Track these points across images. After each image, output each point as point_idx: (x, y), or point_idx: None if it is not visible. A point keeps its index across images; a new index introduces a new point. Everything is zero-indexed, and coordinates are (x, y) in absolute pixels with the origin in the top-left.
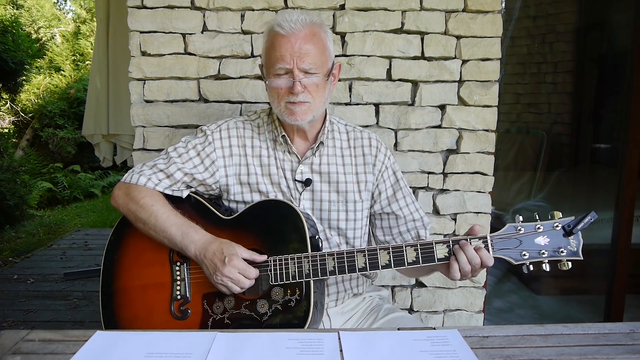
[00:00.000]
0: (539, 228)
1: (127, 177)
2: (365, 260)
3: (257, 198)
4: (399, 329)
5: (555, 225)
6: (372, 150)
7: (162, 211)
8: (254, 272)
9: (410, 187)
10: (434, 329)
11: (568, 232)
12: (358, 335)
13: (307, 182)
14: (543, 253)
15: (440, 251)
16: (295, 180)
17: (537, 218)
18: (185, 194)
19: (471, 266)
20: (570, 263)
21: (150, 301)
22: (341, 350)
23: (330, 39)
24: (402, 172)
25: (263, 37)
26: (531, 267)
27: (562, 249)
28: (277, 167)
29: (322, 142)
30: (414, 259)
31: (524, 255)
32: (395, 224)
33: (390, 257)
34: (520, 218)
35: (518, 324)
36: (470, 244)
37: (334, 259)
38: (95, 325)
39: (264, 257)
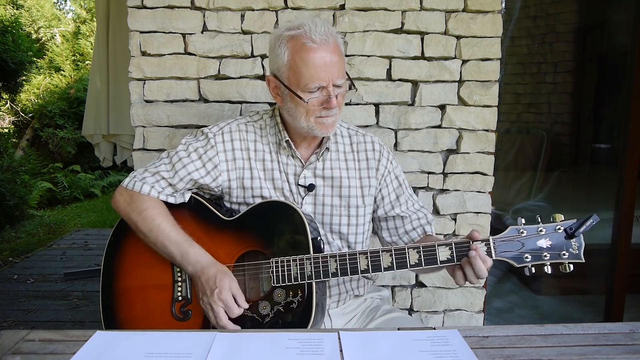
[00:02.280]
0: (541, 231)
1: (129, 183)
2: (368, 262)
3: (259, 202)
4: (399, 329)
5: (557, 227)
6: (375, 155)
7: (163, 227)
8: (237, 312)
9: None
10: (434, 329)
11: (570, 234)
12: (358, 335)
13: (311, 188)
14: (545, 256)
15: (443, 254)
16: (299, 185)
17: (539, 220)
18: (187, 197)
19: (477, 277)
20: (571, 265)
21: (151, 302)
22: (341, 351)
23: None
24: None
25: (279, 47)
26: (533, 270)
27: (564, 252)
28: (280, 171)
29: (327, 148)
30: (417, 262)
31: (526, 257)
32: (402, 223)
33: (392, 260)
34: (523, 220)
35: (518, 324)
36: (473, 245)
37: (336, 260)
38: (95, 325)
39: (245, 305)
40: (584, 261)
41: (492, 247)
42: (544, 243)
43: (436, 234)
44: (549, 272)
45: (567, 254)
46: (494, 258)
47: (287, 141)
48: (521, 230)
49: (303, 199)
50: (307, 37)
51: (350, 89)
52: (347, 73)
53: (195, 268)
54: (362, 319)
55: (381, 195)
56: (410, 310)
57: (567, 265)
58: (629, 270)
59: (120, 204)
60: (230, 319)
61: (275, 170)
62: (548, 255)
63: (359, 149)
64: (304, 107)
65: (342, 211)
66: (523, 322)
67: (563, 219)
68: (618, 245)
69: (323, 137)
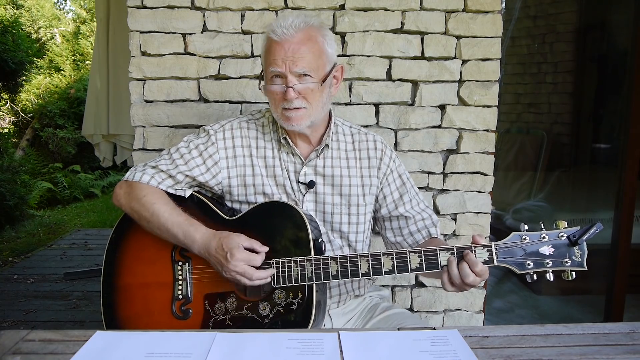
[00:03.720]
0: (544, 237)
1: (129, 175)
2: (369, 266)
3: (260, 200)
4: (399, 329)
5: (560, 235)
6: (378, 153)
7: (163, 210)
8: (259, 259)
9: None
10: (434, 329)
11: (573, 242)
12: (358, 335)
13: (311, 185)
14: (547, 263)
15: (444, 258)
16: (299, 182)
17: (542, 227)
18: (187, 193)
19: (461, 279)
20: (574, 273)
21: (151, 301)
22: (341, 350)
23: (330, 41)
24: None
25: (262, 42)
26: (535, 277)
27: (566, 260)
28: (281, 168)
29: (327, 145)
30: (418, 266)
31: (528, 264)
32: (405, 224)
33: (393, 263)
34: (526, 227)
35: (518, 324)
36: (475, 253)
37: (337, 263)
38: (95, 325)
39: (265, 249)
40: (586, 269)
41: (494, 253)
42: (546, 250)
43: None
44: (551, 279)
45: (570, 261)
46: (496, 264)
47: (284, 138)
48: (524, 237)
49: (304, 196)
50: (272, 30)
51: (324, 81)
52: (333, 69)
53: (200, 247)
54: (361, 317)
55: (383, 194)
56: (410, 310)
57: (569, 273)
58: (629, 270)
59: (121, 196)
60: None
61: (277, 167)
62: (550, 262)
63: (360, 147)
64: (270, 96)
65: (343, 210)
66: (523, 322)
67: (566, 225)
68: (618, 245)
69: (322, 135)
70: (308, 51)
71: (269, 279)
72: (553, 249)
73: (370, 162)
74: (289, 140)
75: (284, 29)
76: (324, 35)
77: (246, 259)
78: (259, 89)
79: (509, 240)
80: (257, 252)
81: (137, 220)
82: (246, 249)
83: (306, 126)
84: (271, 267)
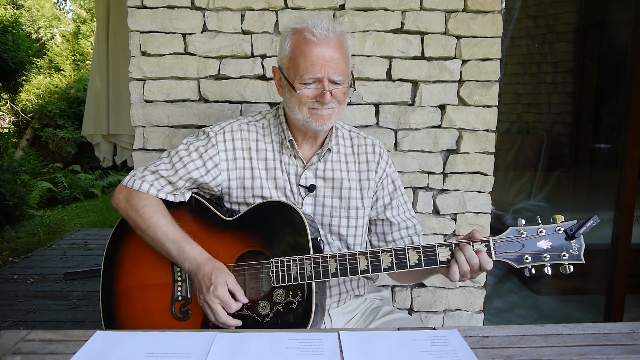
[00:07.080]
0: (541, 232)
1: (129, 181)
2: (368, 263)
3: (259, 202)
4: (399, 329)
5: (557, 229)
6: (375, 157)
7: (160, 224)
8: (234, 307)
9: (410, 188)
10: (434, 329)
11: (570, 235)
12: (358, 335)
13: (311, 188)
14: (545, 257)
15: (443, 254)
16: (299, 185)
17: (540, 221)
18: (187, 196)
19: (470, 266)
20: (571, 267)
21: (151, 302)
22: (341, 350)
23: (350, 47)
24: (401, 172)
25: (284, 39)
26: (533, 271)
27: (564, 253)
28: (282, 171)
29: (329, 149)
30: (416, 262)
31: (526, 259)
32: (390, 230)
33: (392, 260)
34: (523, 221)
35: (518, 324)
36: (473, 248)
37: (336, 260)
38: (95, 325)
39: (245, 300)
40: (584, 262)
41: (492, 248)
42: (544, 244)
43: (436, 234)
44: (549, 273)
45: (567, 255)
46: (494, 259)
47: (290, 140)
48: (521, 231)
49: (303, 199)
50: (308, 30)
51: (351, 87)
52: (352, 73)
53: (192, 265)
54: (362, 319)
55: (376, 197)
56: (410, 310)
57: (567, 266)
58: (629, 270)
59: (120, 202)
60: (230, 314)
61: (277, 170)
62: (548, 256)
63: (359, 151)
64: (296, 98)
65: (342, 213)
66: (523, 322)
67: (563, 220)
68: (618, 245)
69: (325, 138)
70: (343, 58)
71: (232, 328)
72: (550, 243)
73: (368, 165)
74: (294, 143)
75: (324, 31)
76: (348, 40)
77: (223, 301)
78: (285, 90)
79: (506, 235)
80: (236, 299)
81: (132, 227)
82: (230, 290)
83: (331, 125)
84: (239, 319)
